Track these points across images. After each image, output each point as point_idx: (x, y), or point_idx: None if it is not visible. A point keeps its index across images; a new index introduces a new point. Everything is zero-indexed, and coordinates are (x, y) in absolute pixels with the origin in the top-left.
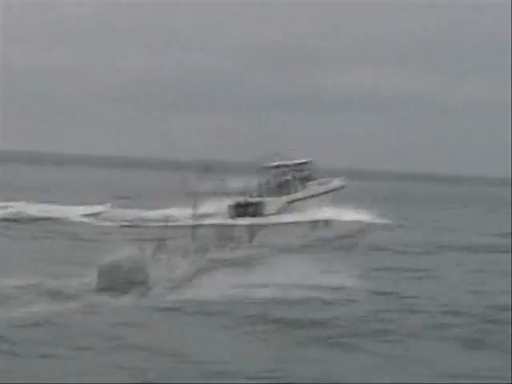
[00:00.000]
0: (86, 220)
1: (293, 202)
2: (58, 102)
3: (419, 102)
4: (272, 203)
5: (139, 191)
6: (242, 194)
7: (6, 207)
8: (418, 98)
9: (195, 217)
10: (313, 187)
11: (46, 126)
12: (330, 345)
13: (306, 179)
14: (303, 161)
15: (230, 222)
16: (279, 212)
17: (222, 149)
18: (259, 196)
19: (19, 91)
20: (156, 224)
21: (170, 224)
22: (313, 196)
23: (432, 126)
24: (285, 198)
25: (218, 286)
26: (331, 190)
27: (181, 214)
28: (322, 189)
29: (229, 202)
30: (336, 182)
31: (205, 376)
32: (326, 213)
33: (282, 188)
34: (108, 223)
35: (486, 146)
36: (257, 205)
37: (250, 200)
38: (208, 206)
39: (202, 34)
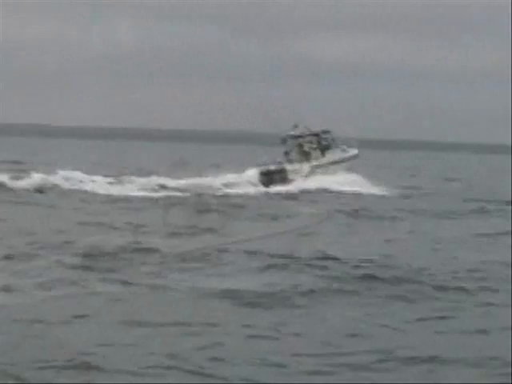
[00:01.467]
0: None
1: (313, 170)
2: (42, 74)
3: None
4: (298, 171)
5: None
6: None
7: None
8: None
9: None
10: (332, 155)
11: (31, 98)
12: None
13: (325, 148)
14: (322, 130)
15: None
16: (304, 179)
17: (225, 118)
18: (283, 163)
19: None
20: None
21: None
22: (333, 164)
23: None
24: (308, 166)
25: None
26: (349, 159)
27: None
28: (341, 157)
29: (255, 170)
30: (352, 151)
31: None
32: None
33: (304, 156)
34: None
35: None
36: (284, 172)
37: (278, 167)
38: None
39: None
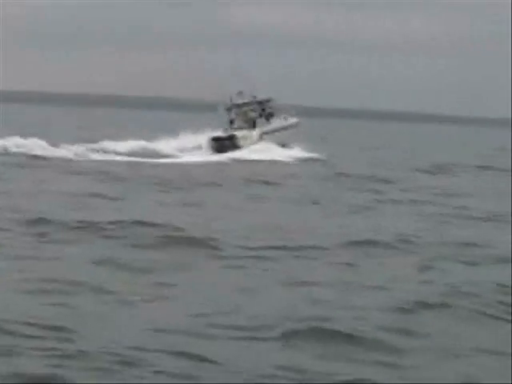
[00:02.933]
0: None
1: (261, 136)
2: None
3: None
4: (246, 138)
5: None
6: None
7: None
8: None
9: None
10: (276, 123)
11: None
12: None
13: (269, 115)
14: (267, 98)
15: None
16: (254, 145)
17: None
18: (231, 131)
19: None
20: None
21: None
22: (277, 131)
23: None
24: (257, 133)
25: None
26: (291, 127)
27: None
28: (284, 125)
29: (204, 136)
30: (293, 119)
31: None
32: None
33: (249, 124)
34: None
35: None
36: (234, 139)
37: (229, 134)
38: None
39: None
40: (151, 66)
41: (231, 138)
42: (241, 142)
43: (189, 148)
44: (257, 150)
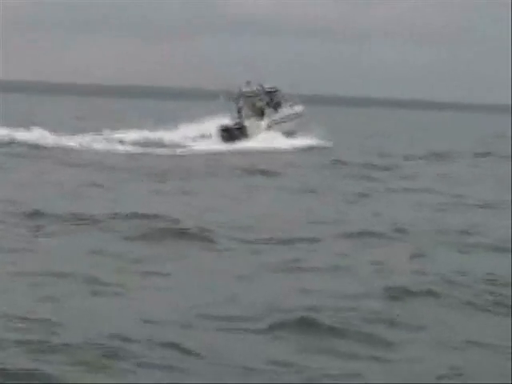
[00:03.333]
0: None
1: (270, 126)
2: None
3: None
4: (255, 127)
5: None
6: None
7: None
8: None
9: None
10: (283, 112)
11: None
12: None
13: (277, 105)
14: (274, 87)
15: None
16: (263, 134)
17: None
18: (240, 120)
19: None
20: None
21: None
22: (285, 120)
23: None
24: (266, 122)
25: None
26: (297, 115)
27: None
28: (292, 114)
29: (210, 125)
30: (299, 108)
31: None
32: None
33: (257, 113)
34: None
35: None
36: (243, 128)
37: (239, 124)
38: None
39: None
40: (150, 56)
41: (240, 127)
42: (250, 132)
43: (196, 137)
44: (265, 139)
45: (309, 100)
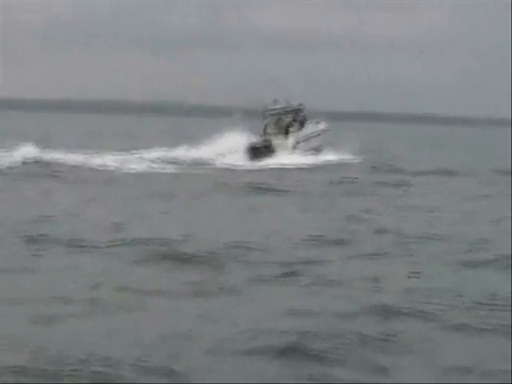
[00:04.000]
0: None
1: (297, 143)
2: None
3: None
4: (282, 145)
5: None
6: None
7: None
8: None
9: None
10: (309, 129)
11: None
12: None
13: (303, 122)
14: (300, 104)
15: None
16: (290, 152)
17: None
18: (267, 138)
19: None
20: None
21: None
22: (311, 137)
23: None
24: (292, 140)
25: None
26: (322, 132)
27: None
28: (317, 130)
29: (241, 143)
30: (323, 125)
31: None
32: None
33: (283, 130)
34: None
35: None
36: (270, 146)
37: (266, 142)
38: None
39: None
40: (159, 70)
41: (268, 145)
42: (277, 149)
43: (223, 154)
44: (291, 156)
45: (330, 115)
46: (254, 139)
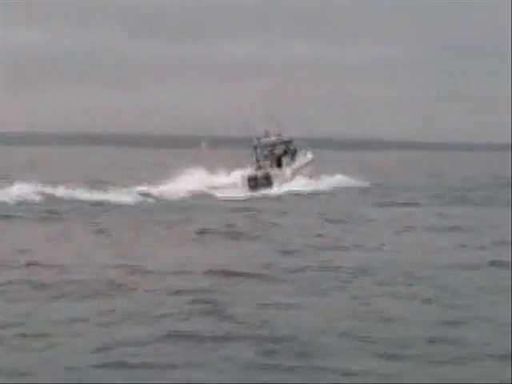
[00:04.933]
0: None
1: (294, 174)
2: None
3: None
4: (279, 175)
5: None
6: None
7: None
8: None
9: None
10: (300, 160)
11: None
12: None
13: (294, 153)
14: (291, 136)
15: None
16: (286, 183)
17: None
18: (261, 169)
19: None
20: None
21: None
22: (302, 167)
23: None
24: (289, 171)
25: None
26: (311, 162)
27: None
28: (307, 160)
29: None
30: (310, 155)
31: None
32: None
33: (276, 162)
34: None
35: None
36: (269, 177)
37: (264, 173)
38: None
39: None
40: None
41: (266, 176)
42: (275, 180)
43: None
44: (288, 185)
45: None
46: (249, 171)
